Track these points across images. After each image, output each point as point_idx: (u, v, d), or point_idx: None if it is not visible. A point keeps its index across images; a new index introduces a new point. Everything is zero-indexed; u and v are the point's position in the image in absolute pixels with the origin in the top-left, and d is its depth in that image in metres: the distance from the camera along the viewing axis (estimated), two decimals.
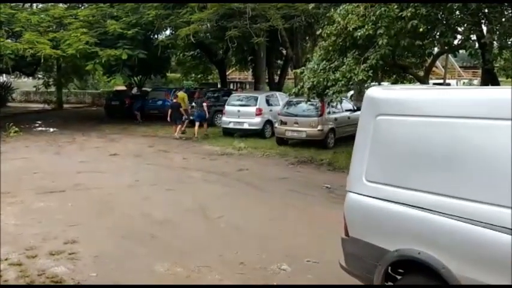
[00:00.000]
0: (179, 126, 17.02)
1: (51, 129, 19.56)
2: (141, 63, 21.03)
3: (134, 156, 13.50)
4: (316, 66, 10.86)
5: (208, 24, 18.03)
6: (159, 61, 25.20)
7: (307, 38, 24.14)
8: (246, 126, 16.50)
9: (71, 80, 28.78)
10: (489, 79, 14.40)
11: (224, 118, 17.20)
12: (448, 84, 19.45)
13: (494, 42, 10.23)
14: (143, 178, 10.52)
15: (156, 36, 22.51)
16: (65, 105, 31.69)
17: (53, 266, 5.59)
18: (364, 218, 4.13)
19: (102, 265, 5.67)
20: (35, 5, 25.03)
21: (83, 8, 22.33)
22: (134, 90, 26.36)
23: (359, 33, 9.55)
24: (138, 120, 22.14)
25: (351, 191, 4.24)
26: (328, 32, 10.38)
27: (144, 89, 28.76)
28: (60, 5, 23.25)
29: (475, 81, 36.57)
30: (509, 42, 10.16)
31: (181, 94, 18.03)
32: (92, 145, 15.58)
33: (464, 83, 36.09)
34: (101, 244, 6.37)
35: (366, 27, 9.46)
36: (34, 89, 30.49)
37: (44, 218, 7.49)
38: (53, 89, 30.03)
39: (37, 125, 21.02)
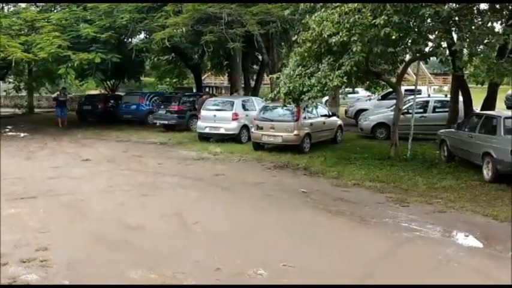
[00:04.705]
0: None
1: (22, 134, 19.07)
2: (114, 67, 20.70)
3: (107, 161, 13.29)
4: (292, 72, 10.97)
5: (184, 29, 17.94)
6: (133, 65, 25.05)
7: (283, 43, 24.29)
8: (222, 131, 16.41)
9: (42, 84, 28.19)
10: (459, 86, 14.82)
11: (200, 123, 17.05)
12: (420, 91, 19.76)
13: (464, 49, 10.52)
14: (117, 183, 10.36)
15: (130, 40, 22.26)
16: (36, 110, 30.98)
17: (24, 274, 5.45)
18: None
19: (74, 272, 5.55)
20: (6, 7, 24.47)
21: (55, 11, 21.94)
22: (55, 95, 24.40)
23: (334, 40, 9.69)
24: (60, 125, 21.47)
25: None
26: (304, 38, 10.50)
27: (117, 93, 28.41)
28: (32, 8, 22.82)
29: (446, 88, 37.40)
30: (479, 49, 10.46)
31: None
32: (63, 150, 15.28)
33: (434, 89, 36.84)
34: (73, 251, 6.23)
35: (341, 34, 9.61)
36: (4, 93, 29.86)
37: (15, 224, 7.30)
38: (24, 93, 29.42)
39: (7, 129, 20.46)
